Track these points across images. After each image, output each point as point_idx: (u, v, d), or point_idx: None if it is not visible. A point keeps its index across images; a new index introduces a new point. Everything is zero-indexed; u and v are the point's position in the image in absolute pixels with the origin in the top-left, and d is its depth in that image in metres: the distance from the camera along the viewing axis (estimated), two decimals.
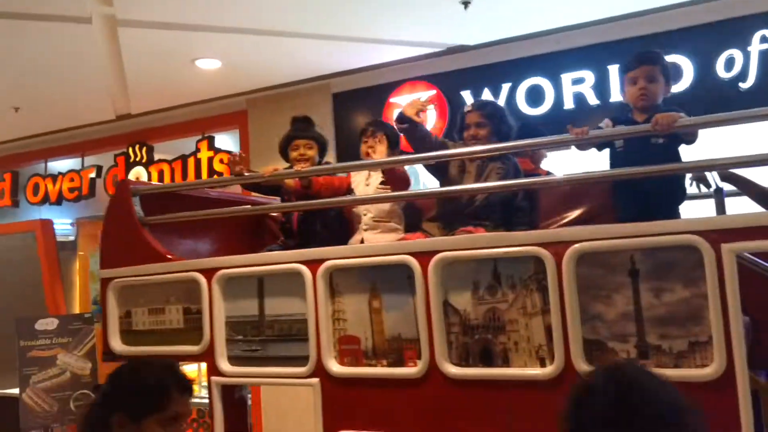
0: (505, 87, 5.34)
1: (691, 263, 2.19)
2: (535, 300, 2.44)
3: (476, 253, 2.55)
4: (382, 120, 3.52)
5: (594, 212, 2.91)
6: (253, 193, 3.67)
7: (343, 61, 5.85)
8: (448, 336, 2.58)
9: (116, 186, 3.72)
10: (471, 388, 2.53)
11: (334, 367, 2.78)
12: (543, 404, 2.39)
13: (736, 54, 4.55)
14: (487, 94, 5.40)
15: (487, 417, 2.48)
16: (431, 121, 5.51)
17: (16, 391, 6.46)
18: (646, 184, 2.63)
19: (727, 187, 2.99)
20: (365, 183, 3.28)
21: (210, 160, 6.60)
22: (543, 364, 2.41)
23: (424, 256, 2.62)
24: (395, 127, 3.16)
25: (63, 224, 8.26)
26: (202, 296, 3.12)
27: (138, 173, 7.07)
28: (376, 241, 3.13)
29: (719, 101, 4.38)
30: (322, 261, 2.84)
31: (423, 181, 4.48)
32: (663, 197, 2.69)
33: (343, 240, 3.32)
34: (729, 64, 4.58)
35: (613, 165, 2.80)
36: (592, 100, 5.02)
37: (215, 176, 6.30)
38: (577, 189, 3.03)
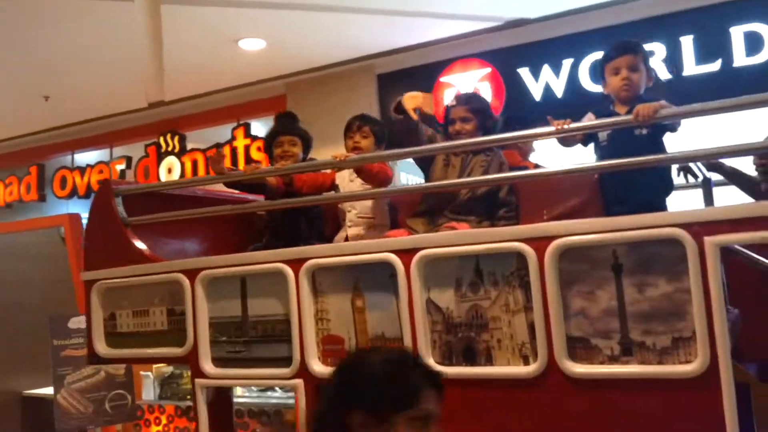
0: (567, 63, 5.07)
1: (675, 257, 2.13)
2: (517, 297, 2.39)
3: (458, 249, 2.50)
4: (368, 115, 3.44)
5: (581, 207, 2.85)
6: (237, 192, 3.62)
7: (388, 40, 5.56)
8: (432, 335, 2.53)
9: (99, 186, 3.67)
10: (454, 386, 2.47)
11: (318, 368, 2.74)
12: (527, 403, 2.36)
13: None
14: (547, 71, 5.17)
15: (470, 416, 2.44)
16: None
17: (45, 390, 6.41)
18: (631, 177, 2.59)
19: (716, 177, 2.95)
20: (350, 179, 3.23)
21: (246, 148, 6.33)
22: (526, 362, 2.36)
23: (405, 254, 2.57)
24: (392, 114, 3.08)
25: None
26: (186, 297, 3.08)
27: (170, 163, 6.88)
28: (360, 237, 3.08)
29: None
30: (304, 260, 2.79)
31: (408, 177, 4.45)
32: (650, 189, 2.64)
33: (329, 237, 3.28)
34: None
35: (599, 160, 2.75)
36: (664, 74, 4.71)
37: (241, 167, 5.92)
38: (564, 183, 2.97)
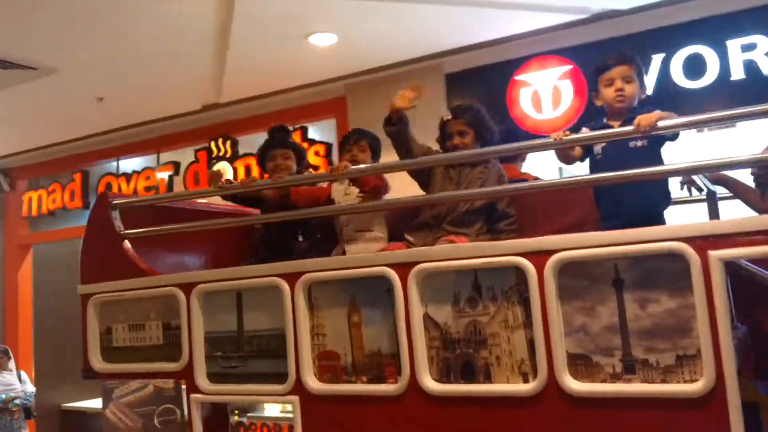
0: (657, 58, 4.74)
1: (678, 272, 2.07)
2: (516, 312, 2.33)
3: (455, 263, 2.44)
4: (364, 129, 3.39)
5: (580, 220, 2.79)
6: (235, 206, 3.58)
7: (459, 36, 5.22)
8: (429, 351, 2.47)
9: (96, 199, 3.63)
10: (452, 405, 2.42)
11: (314, 384, 2.68)
12: (526, 421, 2.29)
13: None
14: None
15: None
16: (566, 101, 5.00)
17: (82, 404, 6.31)
18: (628, 190, 2.53)
19: (721, 190, 2.88)
20: (344, 192, 3.18)
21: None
22: (526, 380, 2.30)
23: (403, 268, 2.51)
24: (384, 129, 3.04)
25: None
26: (181, 311, 3.04)
27: (222, 168, 6.53)
28: (357, 252, 3.03)
29: None
30: (300, 274, 2.74)
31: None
32: (646, 203, 2.58)
33: (326, 251, 3.22)
34: None
35: (592, 173, 2.69)
36: None
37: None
38: (563, 197, 2.92)
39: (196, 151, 6.94)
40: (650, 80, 4.81)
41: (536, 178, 3.34)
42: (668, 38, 4.75)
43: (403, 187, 3.14)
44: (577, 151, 2.77)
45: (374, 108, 5.48)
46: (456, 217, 2.89)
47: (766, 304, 2.61)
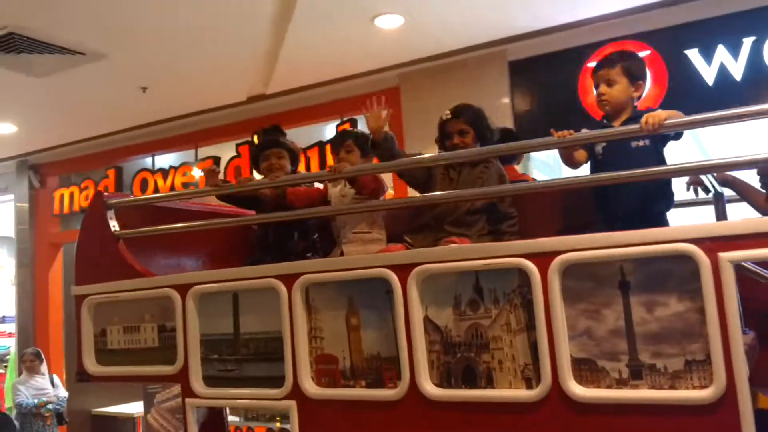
0: (747, 42, 4.50)
1: (686, 274, 2.00)
2: (519, 315, 2.26)
3: (456, 265, 2.37)
4: (350, 129, 3.33)
5: (582, 222, 2.72)
6: (231, 207, 3.51)
7: (526, 20, 4.91)
8: (429, 355, 2.40)
9: (91, 199, 3.57)
10: (453, 410, 2.35)
11: (311, 388, 2.62)
12: (529, 428, 2.22)
13: None
14: (722, 52, 4.60)
15: None
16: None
17: (113, 409, 6.22)
18: (627, 191, 2.47)
19: (729, 192, 2.81)
20: (341, 194, 3.12)
21: None
22: (529, 385, 2.23)
23: (402, 269, 2.44)
24: (372, 153, 2.96)
25: None
26: (176, 313, 2.97)
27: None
28: (356, 254, 2.96)
29: None
30: (297, 275, 2.68)
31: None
32: (647, 204, 2.52)
33: (325, 252, 3.16)
34: None
35: (593, 173, 2.64)
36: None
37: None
38: (565, 198, 2.85)
39: (238, 145, 6.71)
40: (739, 65, 4.60)
41: (534, 180, 3.28)
42: (760, 21, 4.48)
43: (401, 189, 3.08)
44: (582, 153, 2.71)
45: (430, 97, 5.26)
46: (457, 218, 2.83)
47: None
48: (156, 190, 7.09)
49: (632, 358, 2.08)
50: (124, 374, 3.24)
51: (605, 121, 2.72)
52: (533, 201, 2.93)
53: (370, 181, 2.94)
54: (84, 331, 3.30)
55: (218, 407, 3.41)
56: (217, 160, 6.87)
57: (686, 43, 4.71)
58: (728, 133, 4.59)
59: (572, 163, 2.70)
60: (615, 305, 2.11)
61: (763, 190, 2.88)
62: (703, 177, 2.70)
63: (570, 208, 2.86)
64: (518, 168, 3.44)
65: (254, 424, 5.92)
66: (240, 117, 6.73)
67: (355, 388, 2.55)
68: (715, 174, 2.56)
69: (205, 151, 7.11)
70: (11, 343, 10.16)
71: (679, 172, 2.43)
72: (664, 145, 2.55)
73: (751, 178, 2.89)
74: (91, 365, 3.27)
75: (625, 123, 2.47)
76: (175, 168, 7.12)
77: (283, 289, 2.68)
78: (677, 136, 2.50)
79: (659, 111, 2.28)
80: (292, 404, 2.65)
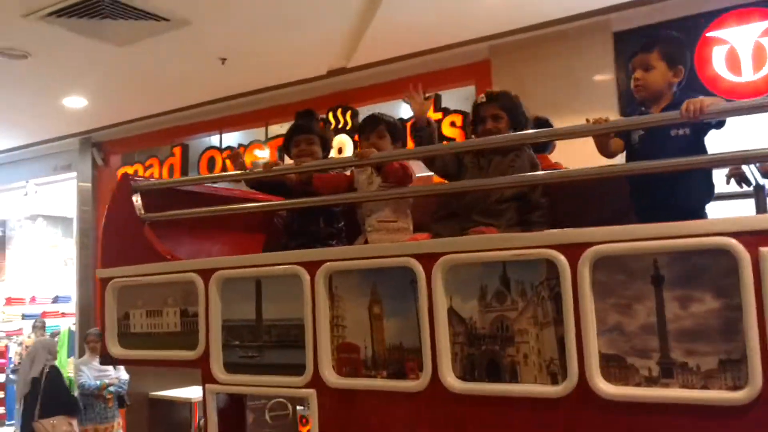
0: None
1: (724, 269, 1.91)
2: (547, 308, 2.19)
3: (483, 255, 2.31)
4: (381, 114, 3.23)
5: (616, 213, 2.63)
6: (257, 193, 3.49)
7: None
8: (453, 346, 2.34)
9: (118, 181, 3.57)
10: (476, 404, 2.29)
11: (332, 377, 2.58)
12: (554, 425, 2.15)
13: None
14: None
15: None
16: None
17: (169, 393, 6.26)
18: (666, 182, 2.37)
19: None
20: (368, 182, 3.06)
21: (438, 123, 5.23)
22: (555, 381, 2.16)
23: (427, 259, 2.39)
24: (412, 136, 2.90)
25: None
26: (199, 298, 2.95)
27: (341, 142, 6.07)
28: (381, 242, 2.90)
29: None
30: (321, 262, 2.63)
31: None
32: (687, 196, 2.42)
33: (349, 240, 3.11)
34: None
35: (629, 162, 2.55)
36: None
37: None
38: (599, 188, 2.76)
39: None
40: None
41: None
42: None
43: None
44: (618, 142, 2.62)
45: (527, 71, 4.94)
46: (486, 208, 2.76)
47: None
48: (224, 169, 6.81)
49: (663, 356, 2.00)
50: (146, 358, 3.24)
51: (642, 108, 2.62)
52: (565, 191, 2.85)
53: (398, 169, 2.87)
54: (108, 314, 3.30)
55: (239, 394, 3.39)
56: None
57: None
58: None
59: (607, 153, 2.62)
60: (647, 300, 2.02)
61: None
62: (744, 168, 2.59)
63: (604, 199, 2.76)
64: (550, 158, 3.35)
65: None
66: (313, 93, 6.41)
67: (376, 379, 2.50)
68: (758, 164, 2.45)
69: (275, 130, 6.83)
70: (66, 324, 10.18)
71: (719, 162, 2.34)
72: (705, 134, 2.45)
73: None
74: (114, 348, 3.27)
75: (664, 110, 2.37)
76: (245, 146, 6.87)
77: (307, 276, 2.64)
78: (719, 124, 2.40)
79: (702, 97, 2.18)
80: (312, 393, 2.61)
